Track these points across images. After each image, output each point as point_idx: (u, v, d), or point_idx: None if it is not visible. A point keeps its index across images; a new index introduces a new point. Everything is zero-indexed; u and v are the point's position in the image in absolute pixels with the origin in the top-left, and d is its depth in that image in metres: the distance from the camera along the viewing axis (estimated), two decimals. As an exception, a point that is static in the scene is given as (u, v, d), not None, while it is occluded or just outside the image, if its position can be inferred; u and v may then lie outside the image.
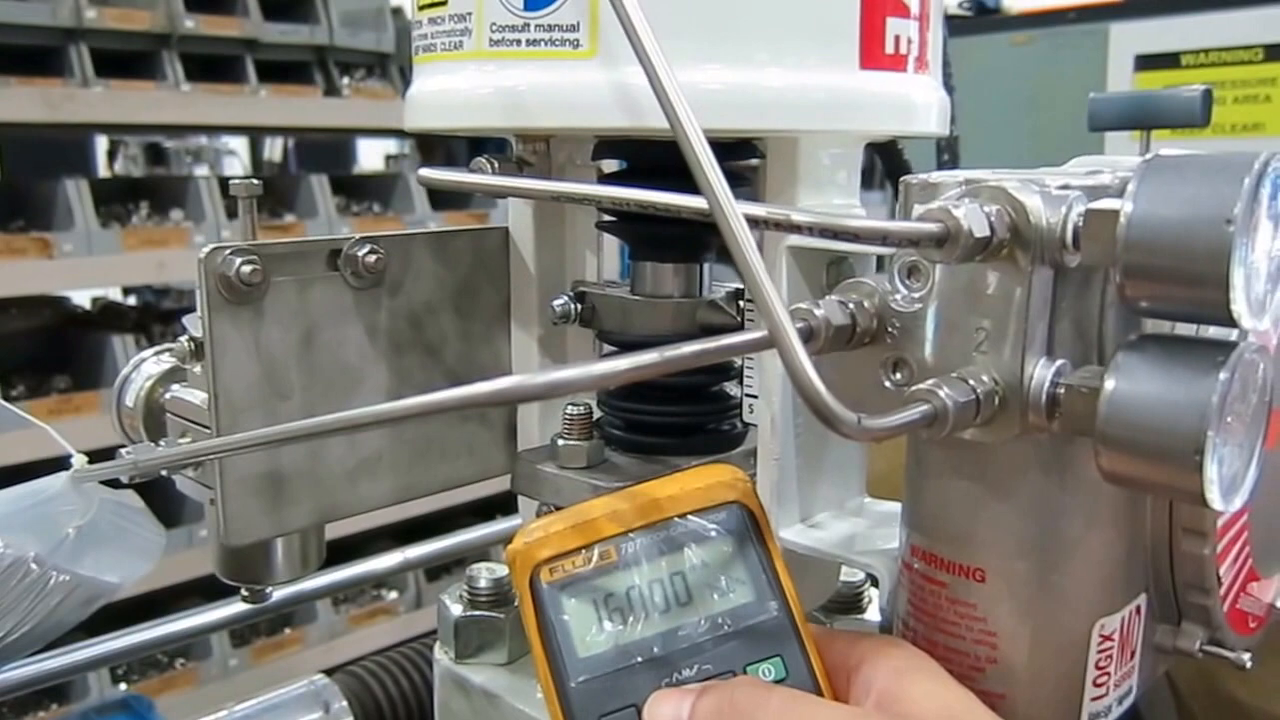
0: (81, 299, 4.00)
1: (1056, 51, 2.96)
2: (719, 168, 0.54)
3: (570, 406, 0.78)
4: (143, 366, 0.85)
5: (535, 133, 0.79)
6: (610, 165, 0.83)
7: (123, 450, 0.74)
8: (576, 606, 0.59)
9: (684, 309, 0.80)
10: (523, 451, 0.85)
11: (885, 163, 1.48)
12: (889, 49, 0.68)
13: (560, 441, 0.78)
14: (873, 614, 0.85)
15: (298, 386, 0.73)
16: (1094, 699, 0.60)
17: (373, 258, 0.75)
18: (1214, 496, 0.48)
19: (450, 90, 0.71)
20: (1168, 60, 2.73)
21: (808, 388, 0.49)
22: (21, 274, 3.13)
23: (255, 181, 0.74)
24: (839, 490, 0.76)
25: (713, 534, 0.61)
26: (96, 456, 0.78)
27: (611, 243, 0.88)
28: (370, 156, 5.63)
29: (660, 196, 0.63)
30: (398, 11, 4.23)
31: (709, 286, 0.83)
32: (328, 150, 5.25)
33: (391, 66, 4.23)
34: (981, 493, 0.58)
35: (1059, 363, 0.53)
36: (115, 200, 3.68)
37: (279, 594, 1.30)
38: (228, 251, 0.68)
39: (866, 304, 0.58)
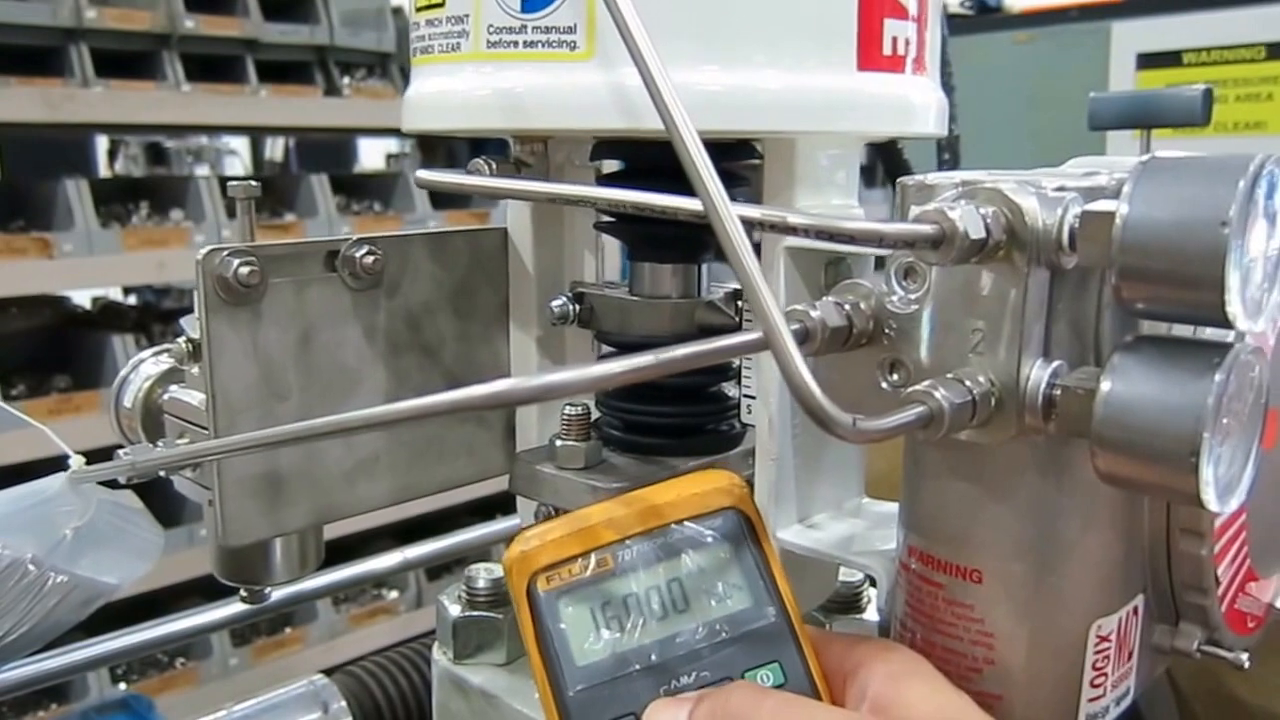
0: (82, 299, 4.00)
1: (1058, 50, 2.97)
2: (714, 170, 0.54)
3: (568, 407, 0.78)
4: (141, 367, 0.85)
5: (533, 134, 0.79)
6: (609, 164, 0.83)
7: (120, 451, 0.74)
8: (574, 614, 0.59)
9: (682, 310, 0.80)
10: (521, 452, 0.85)
11: (885, 162, 1.48)
12: (887, 50, 0.68)
13: (558, 442, 0.78)
14: (872, 614, 0.85)
15: (295, 387, 0.73)
16: (1091, 700, 0.60)
17: (370, 259, 0.75)
18: (1210, 498, 0.48)
19: (448, 92, 0.71)
20: (1170, 59, 2.74)
21: (802, 390, 0.49)
22: (22, 274, 3.13)
23: (253, 183, 0.74)
24: (837, 491, 0.76)
25: (710, 540, 0.61)
26: (96, 456, 0.78)
27: (613, 243, 0.88)
28: (371, 156, 5.64)
29: (656, 199, 0.63)
30: (398, 11, 4.23)
31: (707, 287, 0.83)
32: (329, 149, 5.25)
33: (392, 66, 4.23)
34: (978, 494, 0.58)
35: (1055, 364, 0.53)
36: (115, 200, 3.68)
37: (279, 594, 1.30)
38: (225, 253, 0.68)
39: (863, 305, 0.58)
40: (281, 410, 0.73)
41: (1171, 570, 0.62)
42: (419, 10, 0.73)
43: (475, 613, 0.82)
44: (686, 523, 0.62)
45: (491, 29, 0.67)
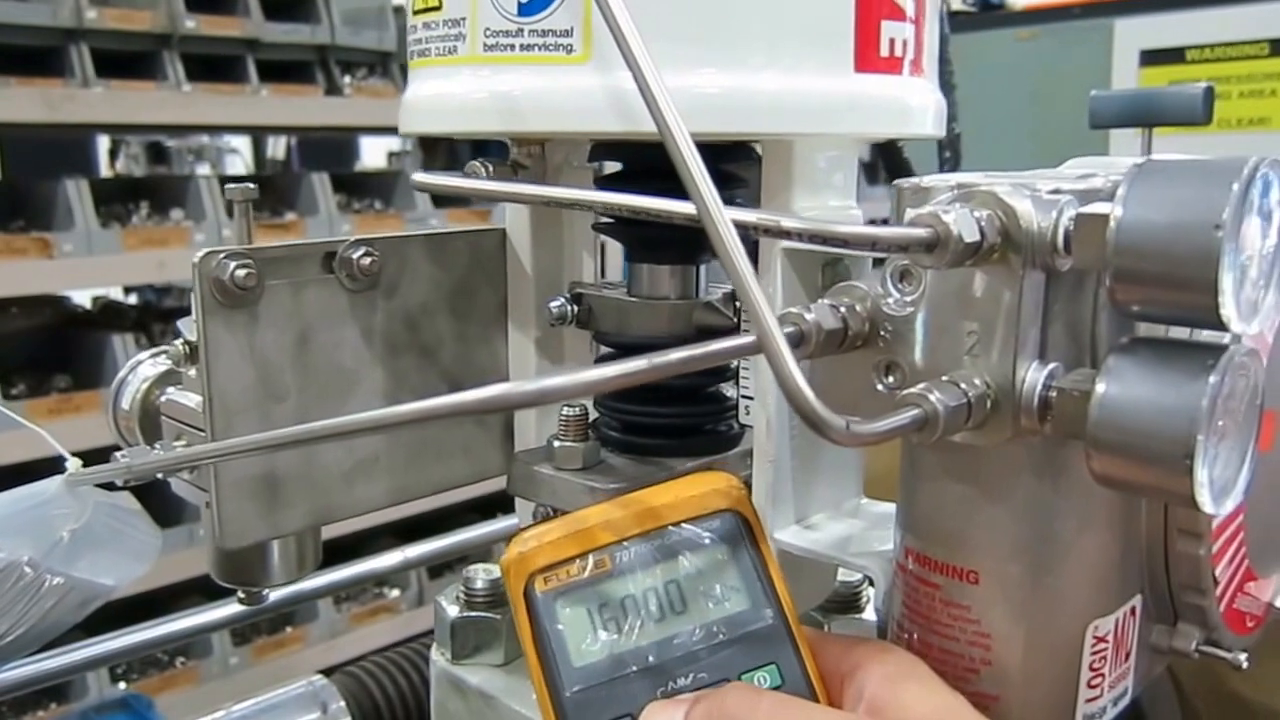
0: (82, 298, 4.01)
1: (1061, 47, 2.96)
2: (709, 173, 0.54)
3: (566, 408, 0.78)
4: (139, 369, 0.85)
5: (530, 137, 0.79)
6: (609, 164, 0.83)
7: (117, 454, 0.74)
8: (571, 615, 0.59)
9: (680, 310, 0.80)
10: (519, 453, 0.85)
11: (886, 161, 1.48)
12: (884, 52, 0.68)
13: (556, 443, 0.78)
14: (870, 614, 0.85)
15: (293, 389, 0.73)
16: (1088, 700, 0.60)
17: (368, 260, 0.75)
18: (1205, 500, 0.48)
19: (445, 95, 0.71)
20: (1173, 55, 2.73)
21: (796, 394, 0.49)
22: (22, 274, 3.13)
23: (251, 186, 0.74)
24: (835, 491, 0.76)
25: (707, 542, 0.61)
26: (97, 456, 0.78)
27: (614, 244, 0.88)
28: (373, 154, 5.64)
29: (652, 202, 0.63)
30: (399, 10, 4.23)
31: (705, 288, 0.83)
32: (330, 148, 5.25)
33: (393, 65, 4.23)
34: (975, 495, 0.58)
35: (1051, 366, 0.53)
36: (115, 200, 3.69)
37: (280, 593, 1.30)
38: (222, 255, 0.68)
39: (859, 308, 0.58)
40: (279, 412, 0.73)
41: (1169, 571, 0.62)
42: (416, 13, 0.73)
43: (473, 613, 0.82)
44: (684, 524, 0.62)
45: (488, 32, 0.67)
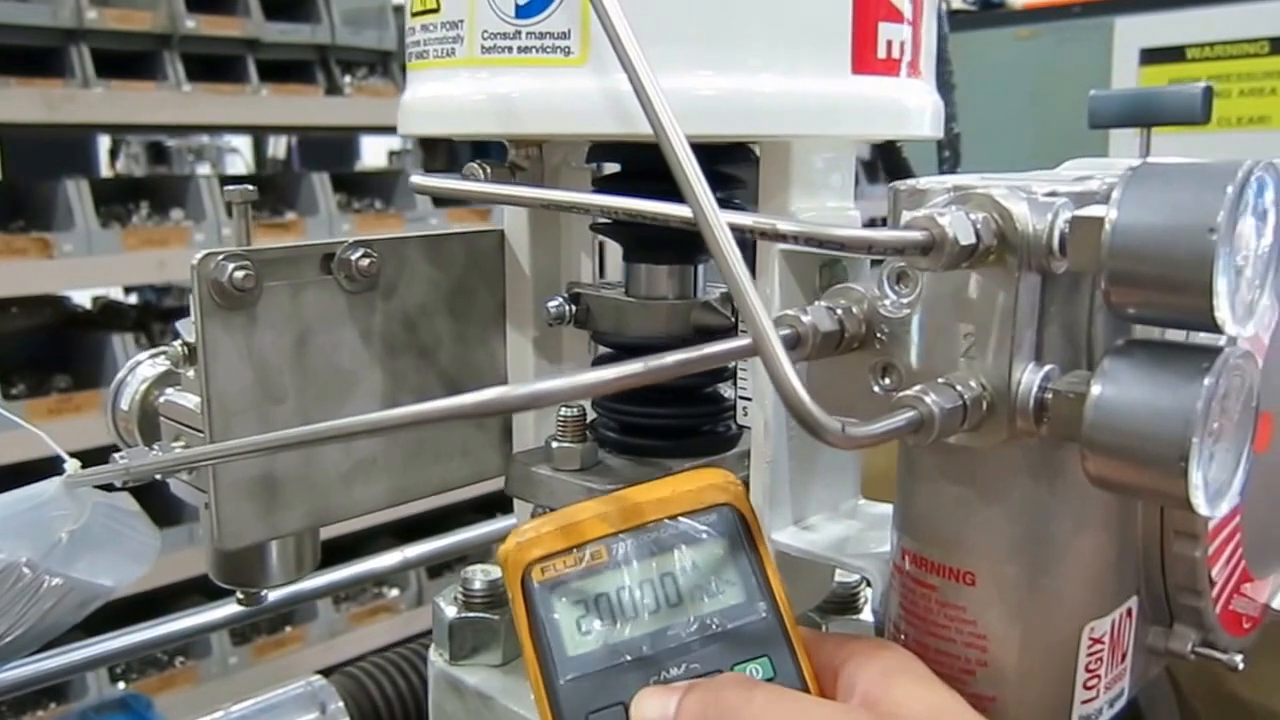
0: (82, 298, 4.01)
1: (1061, 45, 2.96)
2: (706, 175, 0.54)
3: (564, 409, 0.78)
4: (138, 370, 0.85)
5: (528, 139, 0.79)
6: (607, 165, 0.83)
7: (116, 455, 0.74)
8: (567, 606, 0.60)
9: (678, 310, 0.80)
10: (517, 454, 0.85)
11: (885, 162, 1.48)
12: (881, 54, 0.68)
13: (554, 444, 0.78)
14: (868, 615, 0.85)
15: (292, 390, 0.74)
16: (1084, 701, 0.60)
17: (366, 261, 0.75)
18: (1200, 501, 0.48)
19: (443, 97, 0.72)
20: (1173, 54, 2.73)
21: (791, 396, 0.49)
22: (22, 274, 3.13)
23: (250, 187, 0.74)
24: (832, 492, 0.76)
25: (703, 536, 0.62)
26: (97, 456, 0.78)
27: (613, 243, 0.88)
28: (374, 153, 5.64)
29: (648, 205, 0.63)
30: (399, 10, 4.22)
31: (703, 288, 0.83)
32: (331, 147, 5.25)
33: (393, 64, 4.23)
34: (971, 496, 0.58)
35: (1047, 368, 0.53)
36: (115, 200, 3.69)
37: (279, 593, 1.30)
38: (220, 257, 0.69)
39: (855, 310, 0.59)
40: (277, 413, 0.73)
41: (1165, 572, 0.62)
42: (414, 15, 0.73)
43: (471, 614, 0.82)
44: (681, 518, 0.62)
45: (486, 34, 0.67)
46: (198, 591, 3.06)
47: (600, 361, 0.86)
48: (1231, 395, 0.50)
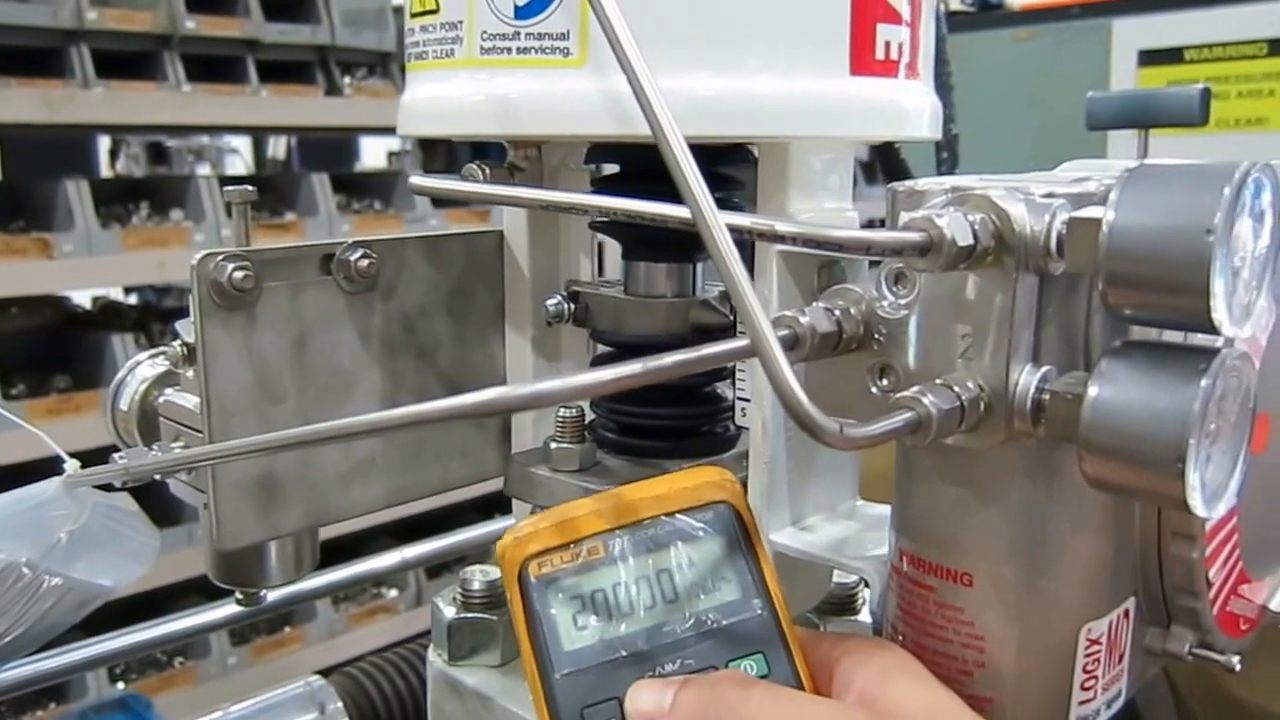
0: (82, 299, 4.01)
1: (1059, 47, 2.96)
2: (704, 176, 0.54)
3: (563, 410, 0.78)
4: (137, 370, 0.85)
5: (527, 139, 0.79)
6: (606, 165, 0.83)
7: (115, 455, 0.74)
8: (563, 601, 0.60)
9: (677, 309, 0.80)
10: (516, 454, 0.85)
11: (883, 163, 1.48)
12: (879, 55, 0.68)
13: (553, 444, 0.79)
14: (866, 616, 0.85)
15: (291, 391, 0.74)
16: (1082, 702, 0.60)
17: (365, 262, 0.75)
18: (1196, 503, 0.48)
19: (442, 98, 0.72)
20: (1171, 55, 2.73)
21: (789, 396, 0.49)
22: (22, 274, 3.13)
23: (249, 188, 0.74)
24: (831, 493, 0.76)
25: (700, 533, 0.62)
26: (96, 457, 0.78)
27: (613, 243, 0.88)
28: (373, 154, 5.63)
29: (647, 206, 0.63)
30: (399, 10, 4.22)
31: (702, 286, 0.83)
32: (331, 148, 5.25)
33: (393, 65, 4.23)
34: (969, 498, 0.58)
35: (1044, 369, 0.53)
36: (115, 200, 3.69)
37: (278, 593, 1.30)
38: (220, 258, 0.69)
39: (853, 311, 0.59)
40: (277, 413, 0.73)
41: (1163, 573, 0.62)
42: (414, 16, 0.73)
43: (470, 614, 0.82)
44: (677, 515, 0.62)
45: (485, 35, 0.68)
46: (197, 592, 3.06)
47: (599, 361, 0.86)
48: (1229, 397, 0.50)
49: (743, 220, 0.56)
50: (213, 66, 3.73)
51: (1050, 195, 0.52)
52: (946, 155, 1.54)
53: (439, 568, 3.75)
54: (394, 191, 4.21)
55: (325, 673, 1.12)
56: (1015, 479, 0.57)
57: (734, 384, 0.79)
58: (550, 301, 0.82)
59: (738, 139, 0.73)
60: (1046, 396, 0.53)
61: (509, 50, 0.67)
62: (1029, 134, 2.94)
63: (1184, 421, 0.47)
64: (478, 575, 0.83)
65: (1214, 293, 0.45)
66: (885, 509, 0.68)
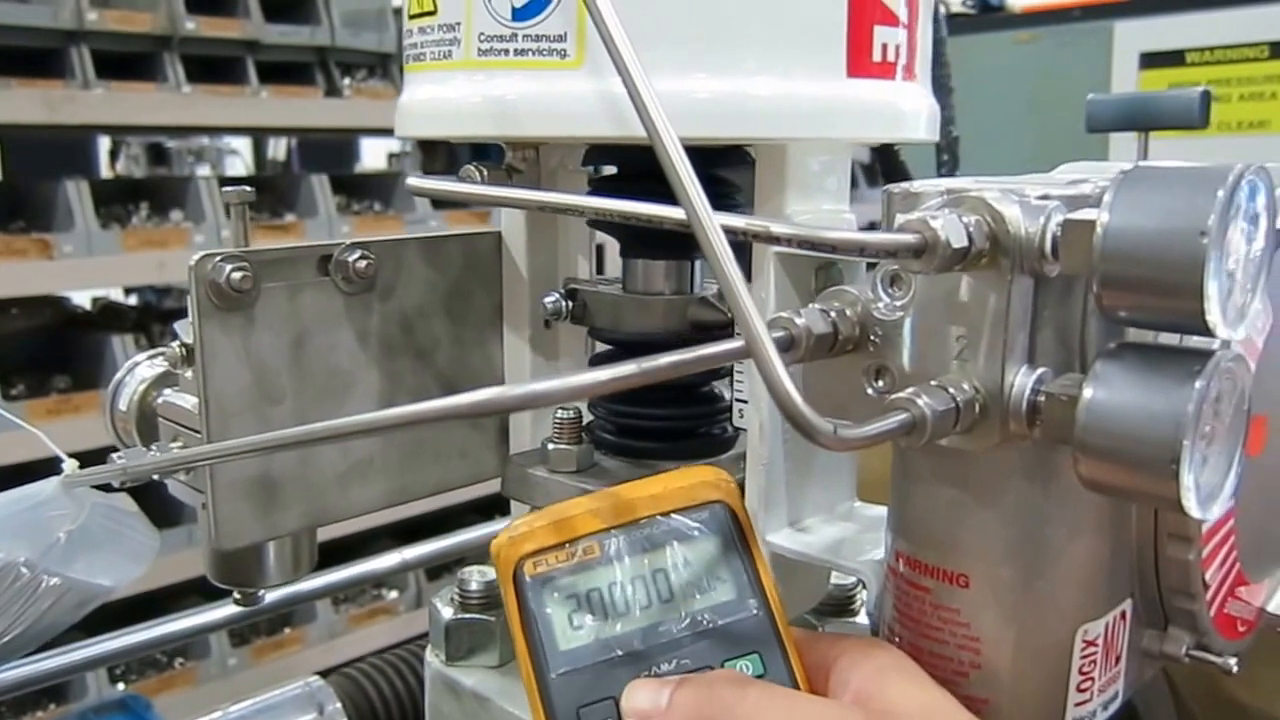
0: (82, 299, 4.01)
1: (1060, 49, 2.96)
2: (700, 177, 0.54)
3: (560, 411, 0.78)
4: (136, 370, 0.85)
5: (524, 141, 0.79)
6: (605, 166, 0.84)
7: (114, 455, 0.74)
8: (558, 600, 0.60)
9: (675, 306, 0.80)
10: (513, 455, 0.85)
11: (882, 165, 1.48)
12: (876, 57, 0.68)
13: (550, 446, 0.79)
14: (864, 617, 0.85)
15: (289, 391, 0.74)
16: (1078, 704, 0.60)
17: (363, 263, 0.75)
18: (1191, 504, 0.48)
19: (440, 99, 0.72)
20: (1172, 58, 2.73)
21: (784, 397, 0.49)
22: (22, 274, 3.13)
23: (247, 188, 0.74)
24: (828, 494, 0.76)
25: (695, 533, 0.62)
26: (96, 457, 0.78)
27: (613, 242, 0.88)
28: (374, 156, 5.63)
29: (643, 208, 0.63)
30: (399, 12, 4.21)
31: (700, 283, 0.83)
32: (331, 150, 5.25)
33: (393, 67, 4.23)
34: (965, 499, 0.58)
35: (1040, 371, 0.54)
36: (115, 201, 3.69)
37: (279, 594, 1.31)
38: (218, 258, 0.69)
39: (849, 312, 0.59)
40: (275, 414, 0.73)
41: (1159, 575, 0.62)
42: (412, 18, 0.74)
43: (468, 615, 0.83)
44: (673, 515, 0.63)
45: (483, 37, 0.68)
46: (197, 593, 3.06)
47: (597, 361, 0.86)
48: (1223, 398, 0.50)
49: (737, 221, 0.56)
50: (213, 67, 3.73)
51: (1045, 197, 0.53)
52: (947, 158, 1.54)
53: (439, 569, 3.75)
54: (394, 193, 4.21)
55: (325, 674, 1.12)
56: (1012, 481, 0.57)
57: (732, 385, 0.80)
58: (548, 299, 0.82)
59: (735, 141, 0.73)
60: (1042, 398, 0.53)
61: (506, 52, 0.67)
62: (1030, 137, 2.94)
63: (1178, 423, 0.47)
64: (475, 576, 0.83)
65: (1208, 294, 0.46)
66: (883, 510, 0.68)
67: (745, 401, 0.76)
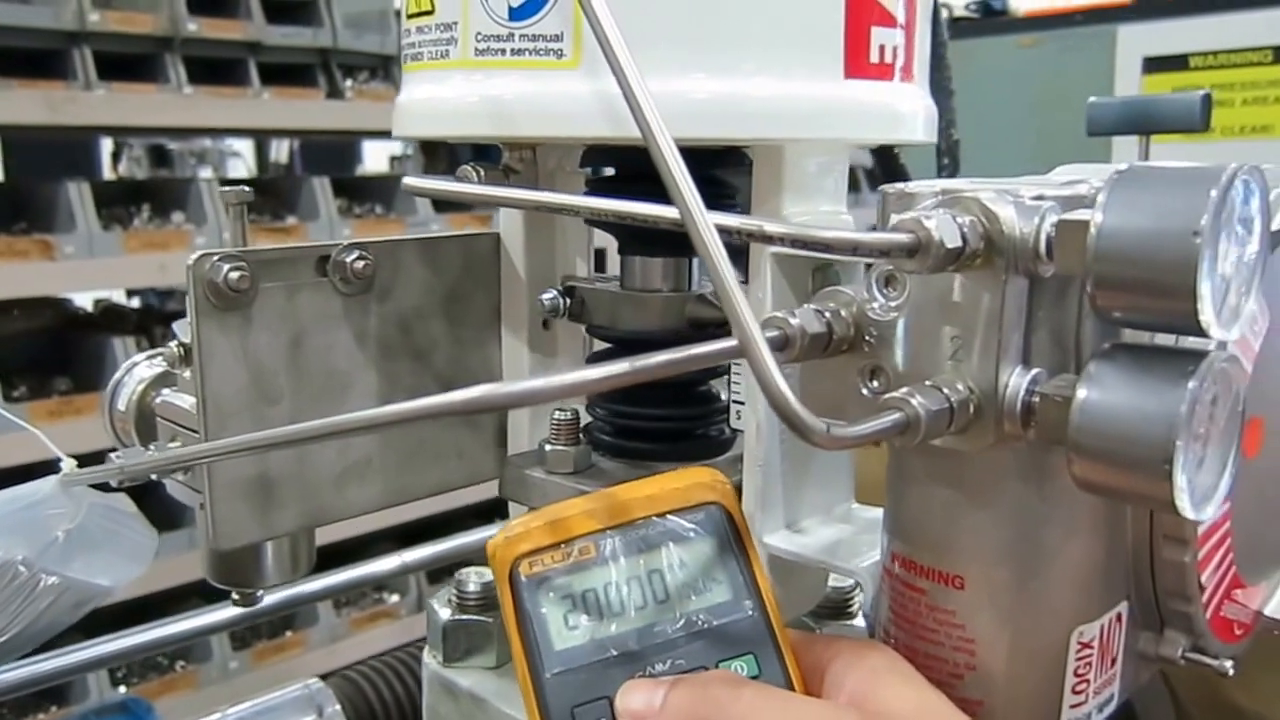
0: (83, 301, 4.01)
1: (1064, 54, 2.97)
2: (699, 178, 0.54)
3: (557, 412, 0.78)
4: (135, 370, 0.85)
5: (520, 141, 0.79)
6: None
7: (112, 454, 0.74)
8: (554, 600, 0.60)
9: (672, 303, 0.80)
10: (511, 456, 0.85)
11: (882, 168, 1.48)
12: (874, 58, 0.68)
13: (548, 447, 0.79)
14: (862, 620, 0.85)
15: (287, 392, 0.74)
16: (1073, 706, 0.60)
17: (361, 264, 0.75)
18: (1184, 504, 0.48)
19: (437, 99, 0.72)
20: (1176, 62, 2.74)
21: (776, 395, 0.49)
22: (23, 276, 3.14)
23: (245, 189, 0.74)
24: (826, 495, 0.76)
25: (691, 534, 0.62)
26: (97, 460, 0.78)
27: (612, 246, 0.88)
28: (376, 158, 5.64)
29: (637, 207, 0.63)
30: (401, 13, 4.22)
31: (698, 280, 0.83)
32: (333, 152, 5.25)
33: (395, 68, 4.22)
34: (961, 500, 0.58)
35: (1034, 371, 0.54)
36: (117, 203, 3.69)
37: (279, 596, 1.31)
38: (216, 258, 0.69)
39: (844, 312, 0.59)
40: (273, 414, 0.73)
41: (1155, 577, 0.62)
42: (410, 17, 0.74)
43: (465, 616, 0.83)
44: (669, 516, 0.63)
45: (480, 36, 0.68)
46: (198, 596, 3.06)
47: (595, 359, 0.86)
48: (1218, 399, 0.50)
49: (731, 220, 0.56)
50: (214, 69, 3.74)
51: (1040, 198, 0.53)
52: (948, 161, 1.54)
53: (440, 573, 3.73)
54: (396, 196, 4.21)
55: (326, 678, 1.12)
56: (1007, 482, 0.57)
57: (730, 386, 0.80)
58: (546, 296, 0.82)
59: (732, 142, 0.73)
60: (1036, 399, 0.53)
61: (503, 51, 0.67)
62: (1033, 141, 2.95)
63: (1171, 423, 0.47)
64: (473, 577, 0.84)
65: (1200, 295, 0.46)
66: (881, 513, 0.68)
67: (742, 402, 0.76)
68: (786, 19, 0.65)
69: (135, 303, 4.37)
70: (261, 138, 5.08)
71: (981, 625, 0.59)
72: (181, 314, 0.71)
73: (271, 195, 3.93)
